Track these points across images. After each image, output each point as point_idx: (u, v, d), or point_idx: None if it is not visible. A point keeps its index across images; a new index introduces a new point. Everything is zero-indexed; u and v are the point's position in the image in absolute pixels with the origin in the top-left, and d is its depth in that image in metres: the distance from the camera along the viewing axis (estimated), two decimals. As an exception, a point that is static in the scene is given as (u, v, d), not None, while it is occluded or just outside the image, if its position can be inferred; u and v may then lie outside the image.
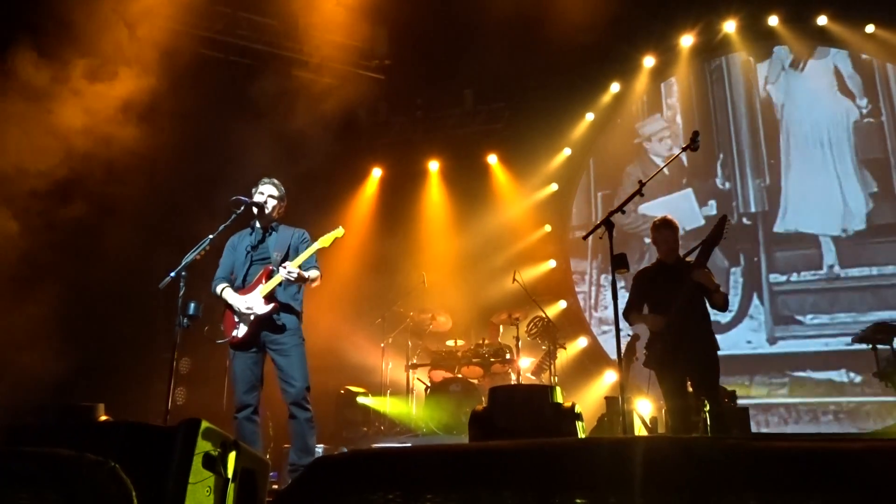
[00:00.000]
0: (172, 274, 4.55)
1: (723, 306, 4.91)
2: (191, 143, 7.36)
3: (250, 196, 4.84)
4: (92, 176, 6.62)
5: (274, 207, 4.86)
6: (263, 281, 4.64)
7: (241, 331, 4.60)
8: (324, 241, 4.71)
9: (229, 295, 4.70)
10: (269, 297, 4.61)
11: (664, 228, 5.09)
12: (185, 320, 4.57)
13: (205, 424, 2.51)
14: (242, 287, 4.73)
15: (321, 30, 9.34)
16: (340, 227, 4.79)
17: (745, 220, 9.26)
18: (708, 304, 4.94)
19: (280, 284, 4.64)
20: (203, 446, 2.46)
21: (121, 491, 1.54)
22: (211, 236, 4.73)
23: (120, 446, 2.44)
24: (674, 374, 4.77)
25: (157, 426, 2.61)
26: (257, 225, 4.88)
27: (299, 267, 4.61)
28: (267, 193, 4.84)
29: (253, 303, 4.60)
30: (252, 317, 4.59)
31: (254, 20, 9.20)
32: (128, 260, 6.63)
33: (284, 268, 4.52)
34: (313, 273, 4.72)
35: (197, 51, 8.46)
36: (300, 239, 4.82)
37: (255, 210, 4.81)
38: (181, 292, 4.56)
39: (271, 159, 8.28)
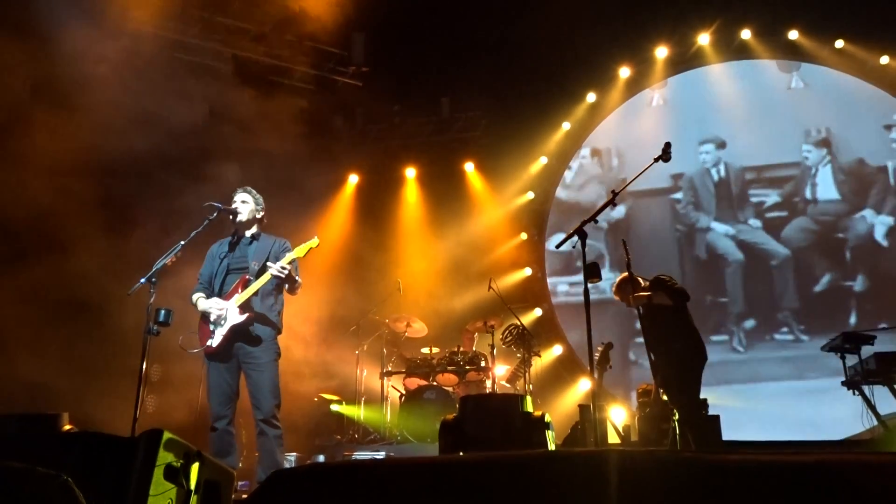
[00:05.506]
0: (143, 280, 4.49)
1: (675, 301, 5.34)
2: (163, 148, 7.26)
3: (229, 205, 4.81)
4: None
5: (250, 213, 4.81)
6: (239, 290, 4.57)
7: (216, 340, 4.53)
8: (299, 251, 4.64)
9: (202, 302, 4.64)
10: (245, 307, 4.54)
11: (616, 295, 5.66)
12: (155, 327, 4.48)
13: (167, 435, 2.46)
14: (219, 296, 4.66)
15: (298, 36, 9.31)
16: (316, 237, 4.71)
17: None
18: (673, 314, 5.38)
19: (256, 294, 4.58)
20: (165, 457, 2.41)
21: (72, 505, 1.51)
22: (182, 242, 4.66)
23: (79, 457, 2.39)
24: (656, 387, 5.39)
25: (117, 436, 2.56)
26: (242, 234, 4.84)
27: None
28: (240, 200, 4.81)
29: (227, 311, 4.54)
30: (226, 326, 4.51)
31: (230, 25, 9.13)
32: (96, 264, 6.52)
33: (271, 267, 4.48)
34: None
35: (171, 55, 8.38)
36: (281, 248, 4.76)
37: (231, 218, 4.78)
38: (151, 298, 4.49)
39: (246, 165, 8.22)
